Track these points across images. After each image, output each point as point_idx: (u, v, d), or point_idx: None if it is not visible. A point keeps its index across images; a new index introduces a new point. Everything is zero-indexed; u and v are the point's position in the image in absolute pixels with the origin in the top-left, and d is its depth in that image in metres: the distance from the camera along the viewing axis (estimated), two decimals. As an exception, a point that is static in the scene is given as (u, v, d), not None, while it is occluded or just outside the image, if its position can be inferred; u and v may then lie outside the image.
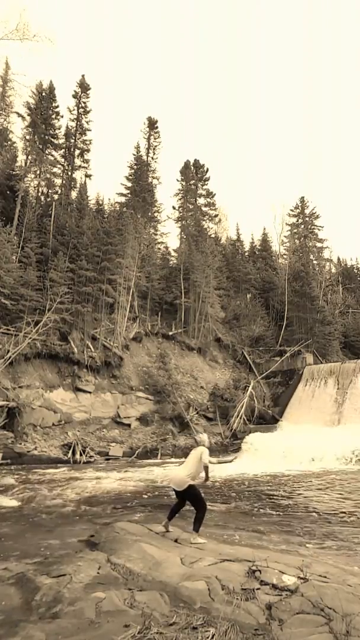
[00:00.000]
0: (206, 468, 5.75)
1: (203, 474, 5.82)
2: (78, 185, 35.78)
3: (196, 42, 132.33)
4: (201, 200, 43.25)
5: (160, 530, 5.88)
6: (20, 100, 31.92)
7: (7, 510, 9.30)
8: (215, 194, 43.27)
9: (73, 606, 3.58)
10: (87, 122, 36.44)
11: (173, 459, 20.43)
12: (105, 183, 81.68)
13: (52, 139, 33.93)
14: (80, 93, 36.37)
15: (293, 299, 35.62)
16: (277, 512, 9.33)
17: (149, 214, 39.09)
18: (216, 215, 45.27)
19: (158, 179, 42.11)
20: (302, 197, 47.54)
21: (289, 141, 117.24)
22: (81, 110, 36.29)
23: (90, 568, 4.43)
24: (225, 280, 36.80)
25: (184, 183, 42.42)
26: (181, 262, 34.67)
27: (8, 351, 20.41)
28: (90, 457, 19.46)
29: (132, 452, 21.12)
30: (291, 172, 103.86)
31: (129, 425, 23.25)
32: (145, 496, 11.35)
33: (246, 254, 44.14)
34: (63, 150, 35.08)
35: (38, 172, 33.06)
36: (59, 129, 34.50)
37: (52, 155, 34.05)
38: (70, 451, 19.30)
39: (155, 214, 40.75)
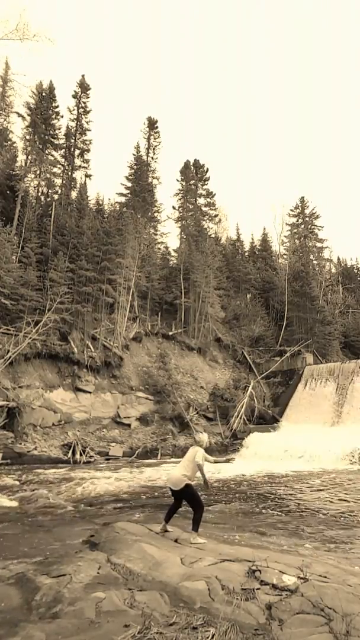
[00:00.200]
0: (200, 469, 5.58)
1: (200, 475, 5.78)
2: (78, 185, 35.84)
3: (196, 42, 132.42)
4: (201, 200, 43.29)
5: (160, 531, 5.88)
6: (20, 100, 32.01)
7: (7, 510, 9.29)
8: (215, 194, 43.36)
9: (73, 606, 3.58)
10: (87, 122, 36.54)
11: (173, 459, 20.43)
12: (105, 183, 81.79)
13: (52, 139, 33.95)
14: (80, 93, 36.40)
15: (293, 299, 35.62)
16: (277, 512, 9.33)
17: (149, 214, 39.10)
18: (216, 215, 45.31)
19: (158, 179, 42.20)
20: (302, 197, 47.60)
21: (289, 141, 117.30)
22: (81, 110, 36.33)
23: (90, 568, 4.43)
24: (225, 280, 36.81)
25: (184, 183, 42.43)
26: (181, 262, 34.67)
27: (8, 351, 20.41)
28: (90, 457, 19.46)
29: (132, 452, 21.12)
30: (291, 172, 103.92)
31: (129, 425, 23.24)
32: (145, 496, 11.35)
33: (246, 254, 44.15)
34: (63, 150, 35.12)
35: (38, 172, 33.08)
36: (59, 129, 34.59)
37: (52, 155, 34.07)
38: (70, 451, 19.29)
39: (155, 214, 40.76)
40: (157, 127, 43.26)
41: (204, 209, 43.32)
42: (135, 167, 40.50)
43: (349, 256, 78.04)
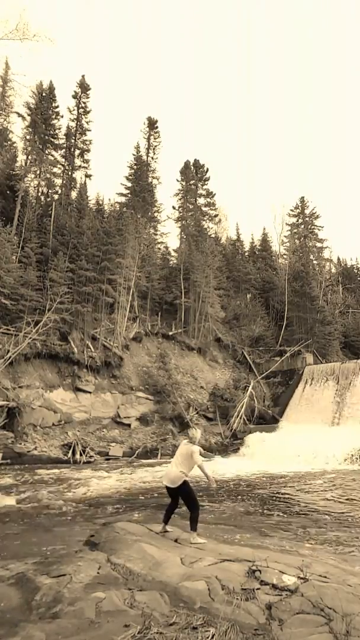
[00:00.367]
0: (201, 468, 5.63)
1: (195, 472, 5.79)
2: (78, 185, 35.85)
3: (196, 42, 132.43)
4: (201, 200, 43.27)
5: (160, 532, 5.88)
6: (20, 100, 31.99)
7: (7, 510, 9.30)
8: (215, 194, 43.33)
9: (73, 606, 3.58)
10: (87, 122, 36.54)
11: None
12: (105, 183, 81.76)
13: (52, 139, 33.95)
14: (80, 93, 36.40)
15: (293, 299, 35.62)
16: (277, 512, 9.33)
17: (149, 214, 39.09)
18: (216, 215, 45.29)
19: (158, 179, 42.17)
20: (302, 197, 47.59)
21: (289, 141, 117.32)
22: (81, 110, 36.33)
23: (90, 568, 4.43)
24: (225, 280, 36.80)
25: (184, 183, 42.42)
26: (181, 262, 34.67)
27: (8, 351, 20.41)
28: (90, 457, 19.45)
29: (132, 452, 21.12)
30: (291, 172, 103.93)
31: (129, 425, 23.24)
32: (145, 496, 11.34)
33: (246, 254, 44.13)
34: (63, 150, 35.10)
35: (38, 172, 33.09)
36: (59, 129, 34.58)
37: (52, 155, 34.07)
38: (70, 451, 19.29)
39: (155, 214, 40.75)
40: (157, 127, 43.27)
41: (204, 209, 43.31)
42: (135, 167, 40.49)
43: (349, 256, 78.04)
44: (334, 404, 23.50)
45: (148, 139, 43.00)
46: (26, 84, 46.56)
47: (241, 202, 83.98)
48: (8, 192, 28.98)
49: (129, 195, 39.01)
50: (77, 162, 36.31)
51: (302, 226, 47.05)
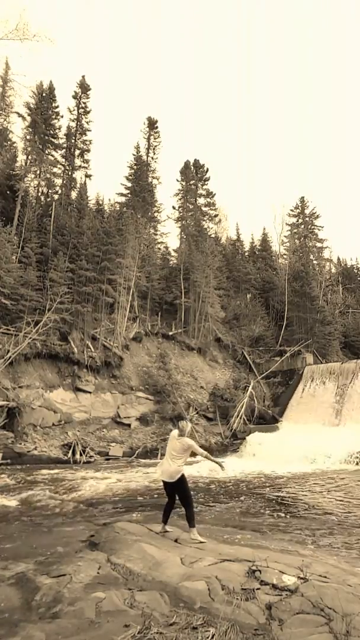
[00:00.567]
0: (208, 457, 5.95)
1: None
2: (78, 185, 35.82)
3: (196, 42, 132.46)
4: (201, 200, 43.24)
5: (160, 532, 5.88)
6: (20, 100, 31.99)
7: (6, 510, 9.30)
8: (215, 194, 43.29)
9: (73, 606, 3.58)
10: (87, 122, 36.49)
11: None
12: (105, 183, 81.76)
13: (52, 139, 33.93)
14: (80, 93, 36.39)
15: (293, 299, 35.62)
16: (277, 512, 9.33)
17: (149, 214, 39.08)
18: (216, 215, 45.28)
19: (158, 179, 42.15)
20: (302, 197, 47.57)
21: (289, 141, 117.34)
22: (81, 110, 36.30)
23: (90, 568, 4.43)
24: (225, 280, 36.79)
25: (184, 183, 42.41)
26: (181, 262, 34.66)
27: (8, 351, 20.41)
28: (90, 457, 19.45)
29: (132, 452, 21.12)
30: (291, 172, 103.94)
31: (129, 425, 23.24)
32: (145, 496, 11.34)
33: (246, 254, 44.13)
34: (63, 150, 35.08)
35: (38, 172, 33.07)
36: (59, 129, 34.54)
37: (52, 155, 34.05)
38: (70, 451, 19.29)
39: (155, 214, 40.73)
40: (157, 127, 43.26)
41: (204, 209, 43.30)
42: (135, 167, 40.48)
43: (349, 256, 78.11)
44: (334, 404, 23.50)
45: (148, 139, 43.01)
46: (26, 84, 46.54)
47: (241, 202, 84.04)
48: (8, 192, 28.97)
49: (129, 195, 39.00)
50: (77, 162, 36.30)
51: (302, 226, 47.03)
